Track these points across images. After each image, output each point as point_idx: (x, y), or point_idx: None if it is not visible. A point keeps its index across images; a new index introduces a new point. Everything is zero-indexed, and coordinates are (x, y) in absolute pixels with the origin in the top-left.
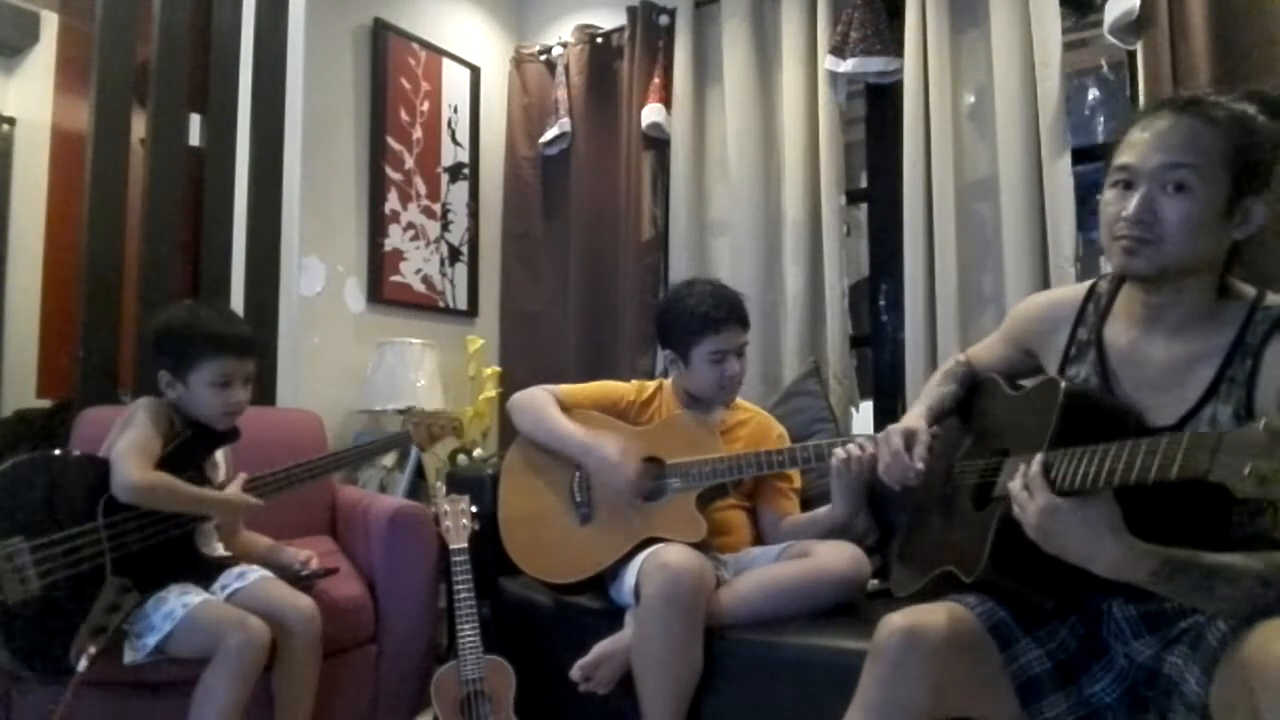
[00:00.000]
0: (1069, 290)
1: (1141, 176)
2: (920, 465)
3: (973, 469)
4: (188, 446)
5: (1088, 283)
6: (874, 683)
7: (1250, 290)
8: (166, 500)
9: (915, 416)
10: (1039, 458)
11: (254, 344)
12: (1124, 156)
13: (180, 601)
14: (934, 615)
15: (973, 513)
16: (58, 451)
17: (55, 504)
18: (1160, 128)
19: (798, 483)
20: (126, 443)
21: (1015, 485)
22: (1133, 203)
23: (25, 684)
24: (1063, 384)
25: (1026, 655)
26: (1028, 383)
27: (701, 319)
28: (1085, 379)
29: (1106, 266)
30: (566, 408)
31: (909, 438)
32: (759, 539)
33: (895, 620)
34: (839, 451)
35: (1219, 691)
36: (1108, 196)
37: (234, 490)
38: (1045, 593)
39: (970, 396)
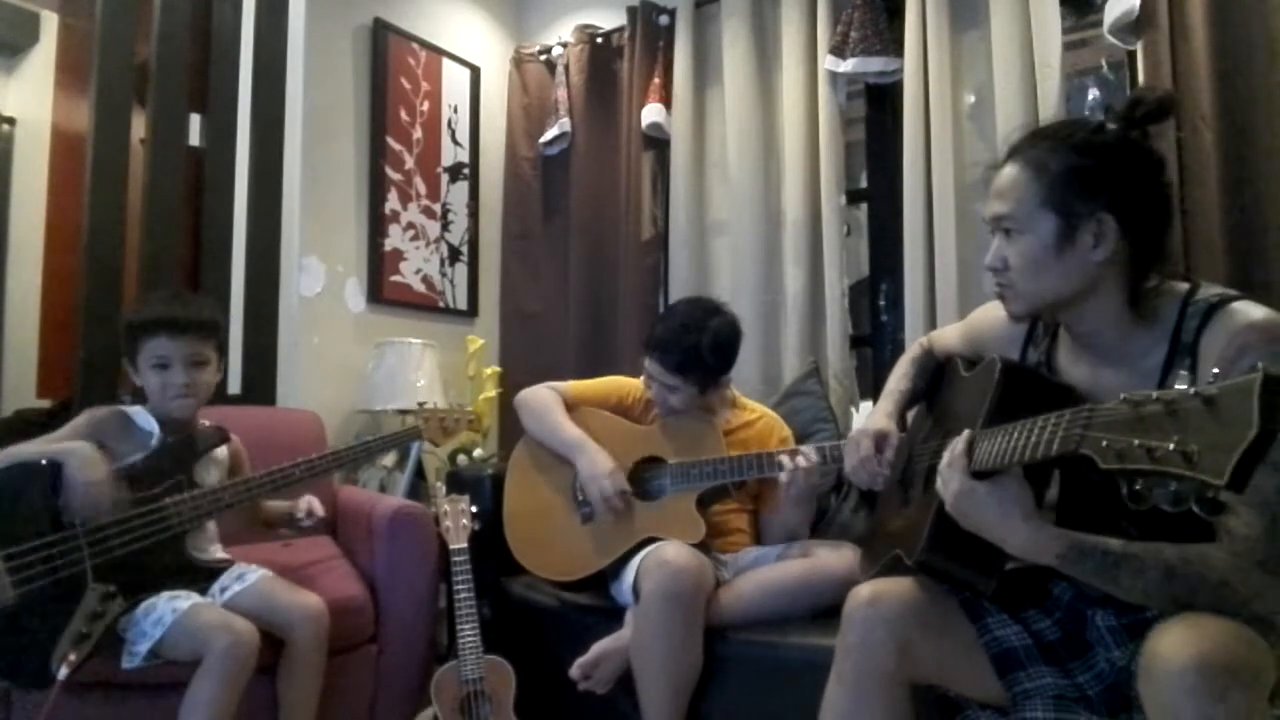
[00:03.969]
0: None
1: (992, 226)
2: (888, 471)
3: (928, 451)
4: (166, 453)
5: None
6: (845, 653)
7: (1182, 287)
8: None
9: (884, 416)
10: (965, 434)
11: (192, 324)
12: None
13: (170, 607)
14: (898, 584)
15: (922, 495)
16: (44, 461)
17: (34, 512)
18: (998, 176)
19: None
20: None
21: (943, 464)
22: (990, 251)
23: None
24: (1000, 362)
25: (1003, 629)
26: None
27: (651, 337)
28: None
29: None
30: (573, 405)
31: (880, 441)
32: (760, 540)
33: (861, 590)
34: (786, 463)
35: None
36: None
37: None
38: (986, 575)
39: (935, 379)
